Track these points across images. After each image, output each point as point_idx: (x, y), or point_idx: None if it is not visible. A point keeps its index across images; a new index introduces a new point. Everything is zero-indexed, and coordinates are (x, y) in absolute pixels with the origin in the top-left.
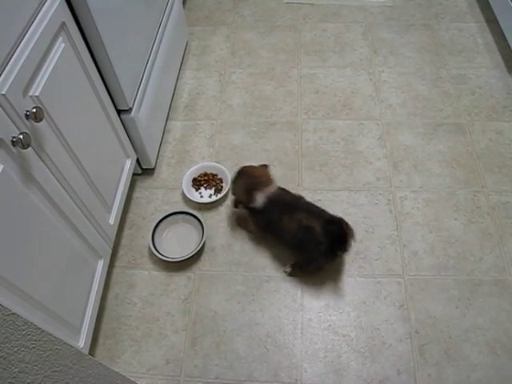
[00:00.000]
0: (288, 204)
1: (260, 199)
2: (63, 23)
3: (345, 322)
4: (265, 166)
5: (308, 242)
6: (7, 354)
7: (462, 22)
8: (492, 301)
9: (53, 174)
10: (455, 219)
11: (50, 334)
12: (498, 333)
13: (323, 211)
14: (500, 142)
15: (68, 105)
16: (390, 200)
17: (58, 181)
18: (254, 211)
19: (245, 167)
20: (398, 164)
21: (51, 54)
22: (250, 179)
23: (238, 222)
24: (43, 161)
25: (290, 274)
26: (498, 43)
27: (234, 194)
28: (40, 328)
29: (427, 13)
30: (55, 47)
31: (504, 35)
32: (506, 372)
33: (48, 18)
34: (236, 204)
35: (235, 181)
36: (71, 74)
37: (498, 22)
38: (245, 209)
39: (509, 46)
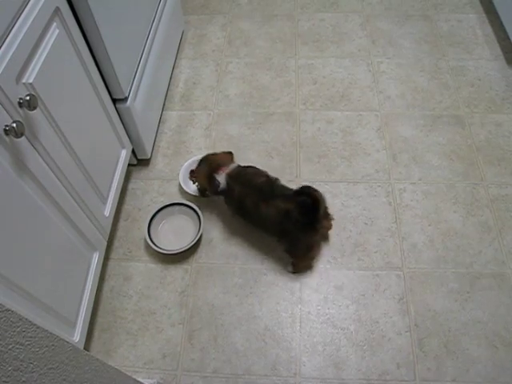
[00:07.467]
0: (262, 189)
1: (221, 179)
2: (57, 8)
3: (344, 316)
4: (229, 153)
5: (287, 223)
6: (1, 351)
7: (461, 13)
8: (491, 294)
9: (47, 164)
10: (454, 212)
11: (46, 330)
12: (496, 326)
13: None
14: (499, 135)
15: (62, 93)
16: (389, 192)
17: (53, 171)
18: (223, 194)
19: (207, 155)
20: (397, 156)
21: (45, 40)
22: (210, 164)
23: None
24: (37, 150)
25: (295, 272)
26: (498, 35)
27: (196, 181)
28: (35, 324)
29: (426, 3)
30: (49, 33)
31: (503, 27)
32: (504, 365)
33: (41, 2)
34: (202, 192)
35: (197, 168)
36: (66, 61)
37: (497, 13)
38: (214, 195)
39: (508, 38)
